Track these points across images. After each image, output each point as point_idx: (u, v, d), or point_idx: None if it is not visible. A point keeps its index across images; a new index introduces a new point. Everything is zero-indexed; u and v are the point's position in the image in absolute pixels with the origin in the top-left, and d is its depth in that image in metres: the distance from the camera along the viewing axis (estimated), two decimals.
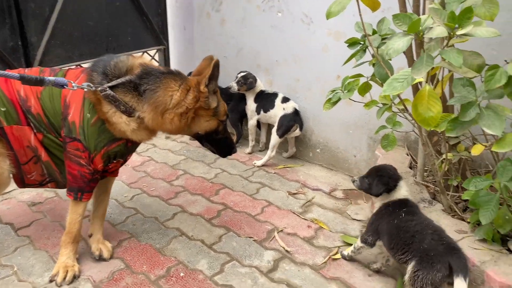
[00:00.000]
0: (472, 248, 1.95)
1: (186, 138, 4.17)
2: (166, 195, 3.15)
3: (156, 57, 4.34)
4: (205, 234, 2.69)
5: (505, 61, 1.61)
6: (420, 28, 1.50)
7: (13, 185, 2.50)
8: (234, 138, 3.92)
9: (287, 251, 2.53)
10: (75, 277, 2.26)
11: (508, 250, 1.95)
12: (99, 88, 2.08)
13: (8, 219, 2.81)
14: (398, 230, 2.03)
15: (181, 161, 3.72)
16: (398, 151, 2.96)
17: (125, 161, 2.41)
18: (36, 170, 2.28)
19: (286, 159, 3.73)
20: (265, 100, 3.59)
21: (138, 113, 2.14)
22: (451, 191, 2.33)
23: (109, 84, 2.10)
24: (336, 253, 2.50)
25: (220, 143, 2.45)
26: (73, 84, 2.02)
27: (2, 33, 3.06)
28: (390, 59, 1.71)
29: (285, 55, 3.55)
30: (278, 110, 3.48)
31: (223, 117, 2.38)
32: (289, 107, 3.45)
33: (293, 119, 3.42)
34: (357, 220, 2.84)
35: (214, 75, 2.15)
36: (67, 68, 2.39)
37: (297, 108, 3.46)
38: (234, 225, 2.78)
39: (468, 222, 2.13)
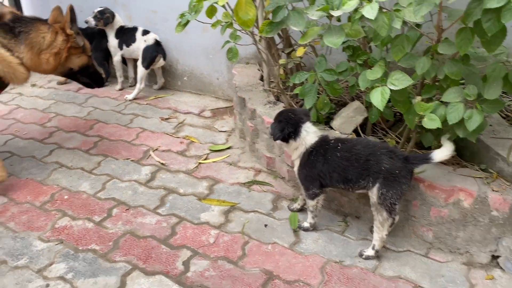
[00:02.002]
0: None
1: (53, 83, 4.15)
2: (40, 136, 3.23)
3: (6, 2, 4.13)
4: (84, 163, 2.89)
5: None
6: None
7: None
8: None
9: (162, 164, 2.86)
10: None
11: (330, 127, 2.50)
12: None
13: None
14: (348, 161, 1.96)
15: (51, 105, 3.74)
16: (251, 67, 3.38)
17: None
18: None
19: (157, 90, 3.96)
20: (126, 35, 3.72)
21: (17, 53, 2.46)
22: (289, 92, 2.82)
23: None
24: (206, 158, 2.90)
25: (93, 75, 2.95)
26: None
27: None
28: None
29: None
30: (140, 43, 3.65)
31: (90, 53, 2.87)
32: (150, 39, 3.64)
33: (156, 50, 3.63)
34: (223, 131, 3.25)
35: (72, 18, 2.61)
36: None
37: (158, 39, 3.66)
38: (111, 151, 3.01)
39: None
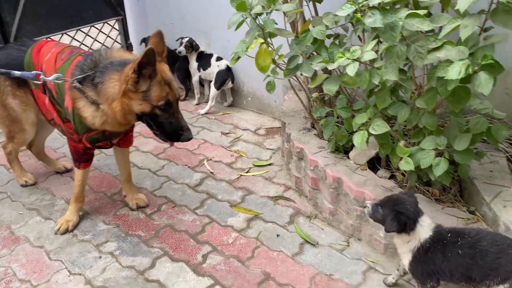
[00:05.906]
0: (323, 156, 2.80)
1: None
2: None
3: (116, 26, 5.05)
4: (152, 165, 3.55)
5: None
6: (248, 7, 2.30)
7: None
8: (183, 93, 4.72)
9: (211, 172, 3.40)
10: (67, 230, 2.75)
11: (347, 157, 2.80)
12: (70, 80, 2.31)
13: None
14: (473, 258, 1.81)
15: None
16: (301, 94, 3.76)
17: (112, 144, 2.75)
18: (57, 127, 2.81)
19: (226, 107, 4.54)
20: (204, 60, 4.36)
21: (101, 106, 2.32)
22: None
23: (78, 78, 2.31)
24: (247, 171, 3.38)
25: (163, 127, 2.39)
26: (41, 77, 2.34)
27: None
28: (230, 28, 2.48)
29: (218, 21, 4.28)
30: (214, 68, 4.26)
31: (157, 103, 2.26)
32: (222, 64, 4.23)
33: (227, 74, 4.23)
34: (270, 149, 3.70)
35: (143, 62, 2.12)
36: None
37: (229, 65, 4.22)
38: (175, 157, 3.64)
39: (328, 141, 2.97)
